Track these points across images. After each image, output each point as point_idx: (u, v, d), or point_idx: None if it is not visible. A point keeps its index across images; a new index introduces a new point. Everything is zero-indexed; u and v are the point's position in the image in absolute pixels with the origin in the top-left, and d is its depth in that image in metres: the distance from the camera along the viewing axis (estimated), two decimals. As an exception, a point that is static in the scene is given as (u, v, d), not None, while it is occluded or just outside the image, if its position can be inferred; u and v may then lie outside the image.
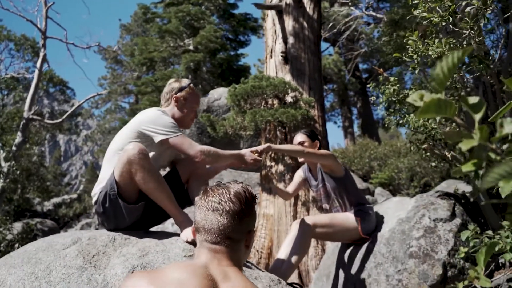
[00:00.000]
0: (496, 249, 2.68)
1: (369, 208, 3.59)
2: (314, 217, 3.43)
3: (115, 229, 2.77)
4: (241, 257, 1.54)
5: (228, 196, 1.48)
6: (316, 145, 3.72)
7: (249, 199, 1.53)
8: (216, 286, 1.34)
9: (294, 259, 3.29)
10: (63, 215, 12.65)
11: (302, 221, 3.39)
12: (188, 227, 2.65)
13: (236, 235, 1.48)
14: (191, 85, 3.04)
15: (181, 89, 2.97)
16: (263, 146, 3.06)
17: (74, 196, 14.66)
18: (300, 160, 3.75)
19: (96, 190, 2.81)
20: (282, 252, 3.36)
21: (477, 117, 0.75)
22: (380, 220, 3.65)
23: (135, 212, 2.65)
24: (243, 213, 1.49)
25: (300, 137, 3.73)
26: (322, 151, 3.46)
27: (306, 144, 3.65)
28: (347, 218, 3.48)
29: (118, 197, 2.55)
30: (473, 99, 0.76)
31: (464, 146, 0.71)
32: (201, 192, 1.55)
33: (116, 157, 2.73)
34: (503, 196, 0.91)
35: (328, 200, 3.67)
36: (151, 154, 2.72)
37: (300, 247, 3.31)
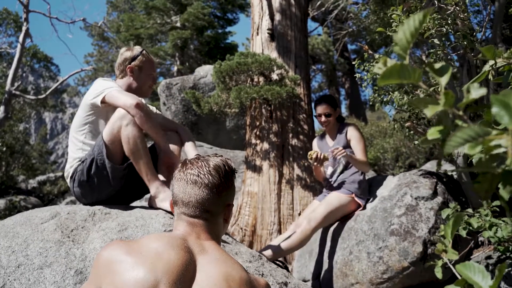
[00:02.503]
0: (475, 226, 2.71)
1: (363, 180, 3.72)
2: (315, 217, 3.50)
3: (95, 203, 2.76)
4: (220, 231, 1.53)
5: (207, 169, 1.45)
6: (338, 112, 3.92)
7: (228, 172, 1.51)
8: (193, 258, 1.33)
9: (284, 250, 3.38)
10: (48, 193, 12.55)
11: (303, 223, 3.47)
12: (164, 194, 2.65)
13: (214, 208, 1.46)
14: (144, 52, 2.99)
15: (134, 58, 2.93)
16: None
17: (60, 174, 14.53)
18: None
19: (72, 165, 2.79)
20: (274, 242, 3.48)
21: (443, 81, 0.71)
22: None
23: (120, 174, 2.67)
24: (222, 186, 1.47)
25: (325, 108, 3.85)
26: (366, 159, 3.70)
27: (332, 115, 3.83)
28: (340, 198, 3.55)
29: (107, 158, 2.57)
30: (439, 64, 0.73)
31: (429, 112, 0.68)
32: (180, 165, 1.52)
33: (74, 136, 2.78)
34: (475, 165, 0.89)
35: (334, 164, 3.85)
36: (106, 123, 2.76)
37: (295, 244, 3.41)
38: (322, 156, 3.49)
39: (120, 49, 3.15)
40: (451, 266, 1.61)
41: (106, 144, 2.59)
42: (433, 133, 0.70)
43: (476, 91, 0.70)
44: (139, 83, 2.94)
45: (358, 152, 3.67)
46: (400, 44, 0.71)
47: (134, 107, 2.58)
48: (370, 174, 8.08)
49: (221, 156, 1.57)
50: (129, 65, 2.92)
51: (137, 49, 3.00)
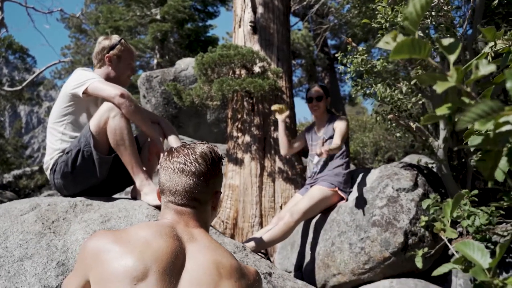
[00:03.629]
0: (455, 216, 2.76)
1: (347, 173, 3.74)
2: (297, 210, 3.50)
3: (76, 195, 2.72)
4: (208, 219, 1.51)
5: (193, 156, 1.43)
6: (328, 101, 4.01)
7: (215, 160, 1.49)
8: (182, 246, 1.31)
9: (266, 242, 3.40)
10: (24, 187, 12.27)
11: (286, 216, 3.47)
12: (148, 188, 2.63)
13: (202, 196, 1.44)
14: (123, 41, 2.94)
15: (112, 47, 2.89)
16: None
17: (36, 168, 14.21)
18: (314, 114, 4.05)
19: (52, 156, 2.74)
20: (257, 235, 3.50)
21: (452, 58, 0.71)
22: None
23: (107, 165, 2.65)
24: (209, 174, 1.45)
25: (318, 91, 3.95)
26: (342, 140, 3.68)
27: (323, 99, 3.91)
28: (323, 192, 3.57)
29: (94, 149, 2.54)
30: (448, 40, 0.73)
31: (439, 88, 0.68)
32: (166, 153, 1.49)
33: (53, 127, 2.75)
34: (471, 150, 0.90)
35: (318, 157, 3.88)
36: (86, 114, 2.79)
37: (278, 237, 3.43)
38: (280, 107, 3.54)
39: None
40: (449, 244, 1.64)
41: (94, 135, 2.56)
42: (442, 109, 0.70)
43: (484, 68, 0.70)
44: (117, 73, 2.89)
45: (336, 136, 3.68)
46: (410, 18, 0.70)
47: (119, 97, 2.55)
48: (351, 167, 8.18)
49: (207, 143, 1.55)
50: (107, 54, 2.88)
51: (116, 38, 2.95)
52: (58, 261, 2.11)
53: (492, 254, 0.90)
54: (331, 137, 3.76)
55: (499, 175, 0.83)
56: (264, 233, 3.43)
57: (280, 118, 3.98)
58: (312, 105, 3.91)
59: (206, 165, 1.44)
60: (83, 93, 2.65)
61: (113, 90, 2.57)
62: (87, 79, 2.66)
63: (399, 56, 0.70)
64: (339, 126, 3.73)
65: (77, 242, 2.23)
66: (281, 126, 4.03)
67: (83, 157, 2.59)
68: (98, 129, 2.56)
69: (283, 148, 4.06)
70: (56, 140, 2.77)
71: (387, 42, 0.72)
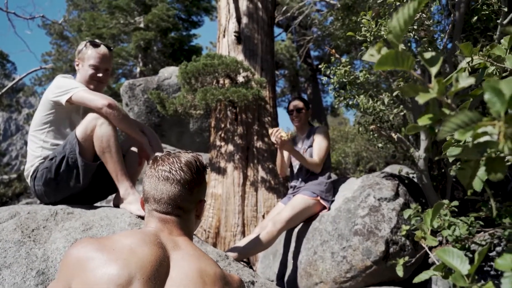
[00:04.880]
0: (436, 226, 2.81)
1: (329, 183, 3.76)
2: (280, 220, 3.51)
3: (57, 203, 2.69)
4: (192, 227, 1.51)
5: (178, 165, 1.44)
6: (309, 113, 4.03)
7: (200, 169, 1.50)
8: (167, 254, 1.31)
9: (248, 250, 3.41)
10: (2, 195, 12.02)
11: (269, 225, 3.48)
12: (133, 197, 2.61)
13: (186, 204, 1.45)
14: (88, 43, 2.93)
15: (79, 51, 2.90)
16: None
17: (14, 175, 13.93)
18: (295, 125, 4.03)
19: (33, 164, 2.72)
20: (239, 244, 3.50)
21: (434, 70, 0.74)
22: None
23: (91, 172, 2.64)
24: (194, 182, 1.45)
25: (298, 103, 3.95)
26: (317, 161, 3.70)
27: (303, 111, 3.93)
28: (305, 201, 3.60)
29: (79, 155, 2.53)
30: (429, 54, 0.76)
31: (421, 99, 0.71)
32: (150, 161, 1.50)
33: (34, 134, 2.77)
34: (450, 160, 0.93)
35: (300, 165, 3.88)
36: (68, 122, 2.78)
37: (260, 245, 3.43)
38: (280, 134, 3.45)
39: None
40: (429, 253, 1.67)
41: (79, 142, 2.55)
42: (424, 120, 0.73)
43: (464, 80, 0.73)
44: (83, 75, 2.87)
45: (315, 149, 3.72)
46: (394, 32, 0.73)
47: (107, 108, 2.55)
48: (333, 177, 8.24)
49: (192, 152, 1.56)
50: (77, 59, 2.91)
51: (83, 42, 2.95)
52: (38, 270, 2.07)
53: (471, 262, 0.93)
54: (311, 146, 3.81)
55: (477, 185, 0.86)
56: (246, 242, 3.44)
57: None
58: (292, 117, 3.95)
59: (191, 173, 1.45)
60: (67, 101, 2.64)
61: (100, 101, 2.56)
62: (71, 87, 2.65)
63: (383, 68, 0.72)
64: (318, 140, 3.77)
65: (57, 250, 2.20)
66: (285, 153, 4.01)
67: (67, 164, 2.57)
68: (84, 136, 2.55)
69: (283, 172, 4.06)
70: (37, 148, 2.74)
71: (371, 55, 0.75)
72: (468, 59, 1.02)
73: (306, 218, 3.68)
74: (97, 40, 3.00)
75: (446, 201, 2.83)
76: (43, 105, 2.77)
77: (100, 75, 2.87)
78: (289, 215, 3.51)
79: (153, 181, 1.43)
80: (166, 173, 1.42)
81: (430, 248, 3.09)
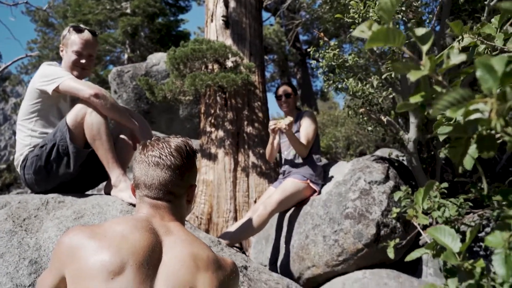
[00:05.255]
0: (426, 207, 2.83)
1: (318, 166, 3.77)
2: (270, 203, 3.54)
3: (48, 191, 2.66)
4: (183, 212, 1.51)
5: (169, 150, 1.42)
6: (297, 98, 4.02)
7: (190, 153, 1.48)
8: (159, 240, 1.30)
9: (241, 234, 3.44)
10: (-9, 186, 11.92)
11: (260, 208, 3.50)
12: (124, 184, 2.60)
13: (177, 189, 1.44)
14: (71, 28, 2.88)
15: (64, 37, 2.86)
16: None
17: (3, 166, 13.77)
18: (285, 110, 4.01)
19: (22, 152, 2.69)
20: (231, 228, 3.50)
21: (425, 48, 0.73)
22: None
23: (82, 159, 2.61)
24: (184, 167, 1.44)
25: (286, 88, 3.95)
26: (305, 143, 3.70)
27: (291, 96, 3.92)
28: (295, 184, 3.61)
29: (71, 142, 2.52)
30: (421, 30, 0.74)
31: (413, 76, 0.70)
32: (140, 147, 1.47)
33: (22, 124, 2.74)
34: (441, 139, 0.93)
35: (288, 149, 3.90)
36: (56, 110, 2.76)
37: (252, 228, 3.45)
38: (277, 127, 3.49)
39: None
40: (422, 232, 1.67)
41: (70, 130, 2.53)
42: (416, 97, 0.72)
43: (455, 57, 0.72)
44: (67, 61, 2.83)
45: (301, 135, 3.72)
46: (385, 8, 0.72)
47: (93, 97, 2.52)
48: (323, 161, 8.27)
49: (182, 137, 1.54)
50: (61, 44, 2.87)
51: (66, 28, 2.91)
52: (30, 259, 2.06)
53: (462, 240, 0.93)
54: (298, 131, 3.81)
55: (468, 163, 0.86)
56: (238, 227, 3.45)
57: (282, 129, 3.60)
58: (281, 102, 3.94)
59: (181, 158, 1.43)
60: (54, 90, 2.60)
61: (87, 90, 2.53)
62: (57, 76, 2.61)
63: (375, 44, 0.71)
64: (305, 124, 3.77)
65: (50, 239, 2.18)
66: (277, 138, 3.99)
67: (57, 151, 2.55)
68: (75, 124, 2.53)
69: (272, 157, 4.05)
70: (25, 136, 2.72)
71: (362, 31, 0.73)
72: (459, 37, 1.02)
73: (297, 202, 3.69)
74: (81, 25, 2.94)
75: (435, 183, 2.84)
76: (30, 94, 2.73)
77: (83, 61, 2.82)
78: (279, 197, 3.52)
79: (143, 166, 1.42)
80: (156, 158, 1.40)
81: (423, 229, 3.12)
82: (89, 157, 2.65)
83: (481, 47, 1.20)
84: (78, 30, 2.84)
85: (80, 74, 2.82)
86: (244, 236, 3.47)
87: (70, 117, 2.54)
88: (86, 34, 2.85)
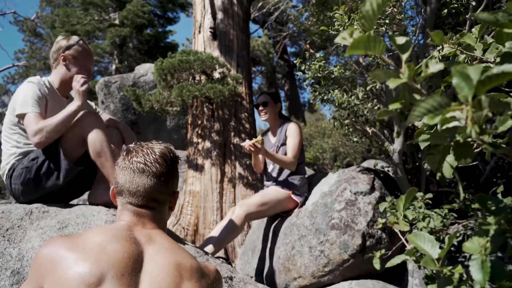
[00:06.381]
0: (411, 218, 2.85)
1: (302, 178, 3.75)
2: (247, 203, 3.51)
3: (32, 201, 2.64)
4: (165, 219, 1.50)
5: (153, 156, 1.41)
6: (278, 106, 3.93)
7: (173, 160, 1.48)
8: (140, 249, 1.28)
9: (222, 240, 3.37)
10: (-27, 197, 11.69)
11: (236, 208, 3.50)
12: None
13: (162, 196, 1.43)
14: (81, 41, 2.88)
15: (69, 47, 2.83)
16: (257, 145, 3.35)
17: (-14, 176, 13.50)
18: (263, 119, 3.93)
19: (8, 161, 2.68)
20: (213, 234, 3.44)
21: (404, 56, 0.75)
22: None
23: (73, 174, 2.63)
24: (169, 174, 1.44)
25: (263, 97, 3.89)
26: (292, 159, 3.64)
27: (269, 104, 3.85)
28: (277, 192, 3.61)
29: (65, 158, 2.54)
30: (401, 39, 0.76)
31: (392, 83, 0.71)
32: (123, 153, 1.46)
33: (6, 135, 2.72)
34: (421, 146, 0.94)
35: (274, 164, 3.85)
36: None
37: (230, 232, 3.42)
38: (252, 144, 3.39)
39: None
40: (405, 242, 1.68)
41: (63, 145, 2.56)
42: (395, 104, 0.73)
43: (433, 66, 0.73)
44: (71, 74, 2.82)
45: (288, 148, 3.70)
46: (367, 16, 0.73)
47: (35, 143, 2.53)
48: (309, 172, 8.29)
49: (164, 143, 1.54)
50: (62, 54, 2.81)
51: (74, 38, 2.89)
52: (12, 270, 2.04)
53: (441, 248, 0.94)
54: (284, 144, 3.78)
55: (447, 171, 0.87)
56: (218, 233, 3.41)
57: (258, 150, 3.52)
58: (259, 111, 3.91)
59: (166, 165, 1.43)
60: (17, 115, 2.62)
61: (32, 138, 2.52)
62: (26, 106, 2.59)
63: (356, 52, 0.72)
64: (291, 134, 3.74)
65: (33, 249, 2.16)
66: (257, 159, 3.96)
67: (48, 166, 2.56)
68: (69, 140, 2.57)
69: (259, 168, 4.02)
70: (11, 147, 2.71)
71: (344, 38, 0.74)
72: (439, 47, 1.04)
73: (276, 212, 3.69)
74: (82, 39, 2.96)
75: (420, 194, 2.86)
76: (11, 107, 2.72)
77: (89, 75, 2.89)
78: (257, 200, 3.51)
79: (127, 173, 1.40)
80: (142, 165, 1.39)
81: (407, 240, 3.13)
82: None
83: (461, 57, 1.23)
84: (83, 45, 2.87)
85: None
86: (227, 241, 3.42)
87: (65, 133, 2.57)
88: (90, 49, 2.91)
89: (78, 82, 2.65)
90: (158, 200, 1.42)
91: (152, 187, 1.39)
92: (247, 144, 3.39)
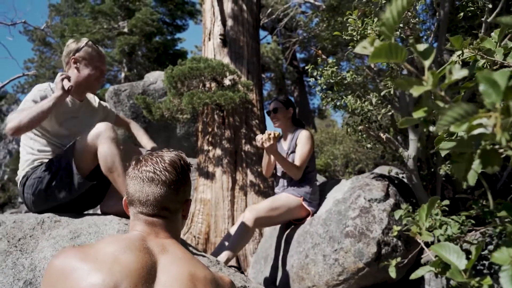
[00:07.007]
0: (428, 225, 2.79)
1: (313, 186, 3.68)
2: (257, 207, 3.45)
3: (44, 211, 2.64)
4: (179, 228, 1.48)
5: (163, 165, 1.39)
6: (290, 112, 3.86)
7: (184, 167, 1.46)
8: (154, 259, 1.26)
9: (233, 247, 3.31)
10: (-15, 205, 11.79)
11: (246, 213, 3.42)
12: None
13: (173, 205, 1.41)
14: (90, 42, 2.86)
15: (79, 49, 2.80)
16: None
17: (-2, 186, 13.64)
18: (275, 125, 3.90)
19: (24, 168, 2.68)
20: (224, 241, 3.39)
21: (427, 63, 0.72)
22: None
23: (85, 188, 2.60)
24: (179, 182, 1.41)
25: (274, 104, 3.83)
26: (298, 166, 3.56)
27: (280, 111, 3.79)
28: (288, 198, 3.56)
29: (78, 172, 2.51)
30: (422, 46, 0.73)
31: (415, 91, 0.68)
32: (133, 162, 1.44)
33: (24, 142, 2.70)
34: (442, 154, 0.91)
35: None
36: (56, 127, 2.71)
37: (240, 237, 3.35)
38: (267, 136, 3.36)
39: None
40: (426, 248, 1.63)
41: (76, 158, 2.52)
42: (419, 112, 0.70)
43: (458, 72, 0.70)
44: (84, 75, 2.81)
45: (296, 156, 3.63)
46: (387, 24, 0.71)
47: (11, 133, 2.41)
48: (321, 179, 8.23)
49: (175, 150, 1.52)
50: (73, 56, 2.79)
51: (84, 40, 2.88)
52: (25, 280, 2.03)
53: (466, 258, 0.91)
54: (294, 152, 3.73)
55: (471, 178, 0.84)
56: (229, 241, 3.36)
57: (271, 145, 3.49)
58: (271, 118, 3.86)
59: (176, 173, 1.40)
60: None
61: (8, 125, 2.43)
62: (24, 103, 2.60)
63: (377, 60, 0.70)
64: (300, 141, 3.67)
65: (45, 259, 2.15)
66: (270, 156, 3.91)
67: (60, 178, 2.53)
68: (82, 152, 2.52)
69: (269, 172, 3.97)
70: (26, 153, 2.71)
71: (364, 47, 0.72)
72: (459, 52, 1.01)
73: (287, 219, 3.63)
74: (91, 41, 2.94)
75: (438, 200, 2.81)
76: None
77: (102, 77, 2.88)
78: (267, 205, 3.45)
79: (137, 182, 1.39)
80: (151, 173, 1.37)
81: (423, 249, 3.08)
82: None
83: (481, 62, 1.19)
84: (95, 47, 2.85)
85: (94, 90, 2.87)
86: (237, 248, 3.37)
87: (79, 145, 2.53)
88: (102, 51, 2.88)
89: (59, 75, 2.56)
90: (169, 208, 1.40)
91: (162, 195, 1.37)
92: (263, 137, 3.35)
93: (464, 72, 0.72)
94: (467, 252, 2.78)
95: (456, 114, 0.64)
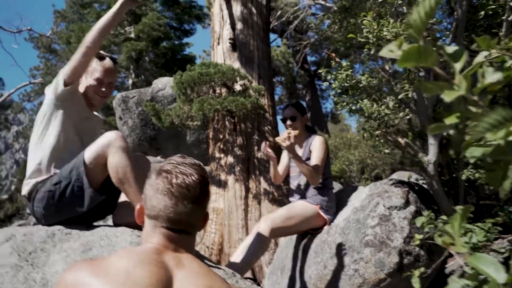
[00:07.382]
0: (459, 235, 2.65)
1: (330, 193, 3.57)
2: (272, 217, 3.34)
3: (54, 224, 2.57)
4: (194, 242, 1.43)
5: (190, 179, 1.32)
6: (306, 119, 3.75)
7: (206, 180, 1.39)
8: (169, 274, 1.21)
9: (249, 259, 3.20)
10: (-7, 217, 11.82)
11: (261, 223, 3.32)
12: None
13: (194, 219, 1.36)
14: (100, 54, 2.81)
15: None
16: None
17: (5, 196, 13.69)
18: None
19: (30, 182, 2.60)
20: (239, 252, 3.27)
21: (458, 66, 0.65)
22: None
23: (97, 202, 2.51)
24: (202, 196, 1.36)
25: (291, 111, 3.70)
26: (319, 168, 3.45)
27: (298, 119, 3.66)
28: (305, 206, 3.45)
29: (89, 185, 2.43)
30: (452, 48, 0.65)
31: (447, 96, 0.63)
32: (155, 174, 1.37)
33: (31, 150, 2.64)
34: (471, 161, 0.82)
35: (298, 177, 3.66)
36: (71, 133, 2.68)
37: (256, 248, 3.24)
38: (287, 135, 3.30)
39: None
40: (459, 260, 1.52)
41: (87, 171, 2.43)
42: (451, 119, 0.68)
43: (491, 76, 0.64)
44: (84, 86, 2.76)
45: (312, 161, 3.50)
46: (415, 26, 0.66)
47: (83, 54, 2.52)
48: (337, 186, 8.10)
49: (192, 159, 1.44)
50: None
51: (100, 52, 2.82)
52: (37, 295, 1.97)
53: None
54: (308, 159, 3.60)
55: (507, 186, 0.77)
56: (244, 249, 3.24)
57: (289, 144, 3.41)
58: (286, 126, 3.72)
59: (200, 187, 1.34)
60: (65, 85, 2.56)
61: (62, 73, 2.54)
62: (58, 77, 2.59)
63: (406, 65, 0.66)
64: (315, 147, 3.55)
65: (57, 274, 2.10)
66: (283, 163, 3.85)
67: (72, 191, 2.46)
68: (93, 163, 2.44)
69: (278, 179, 3.86)
70: (34, 164, 2.63)
71: (391, 50, 0.67)
72: (484, 53, 0.91)
73: (304, 229, 3.52)
74: (102, 52, 2.86)
75: (459, 207, 2.67)
76: (38, 122, 2.67)
77: (104, 89, 2.77)
78: (283, 213, 3.35)
79: (167, 198, 1.31)
80: (184, 190, 1.31)
81: (446, 259, 2.93)
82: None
83: (509, 63, 1.10)
84: (100, 57, 2.78)
85: (99, 102, 2.79)
86: (253, 259, 3.25)
87: (89, 156, 2.44)
88: (108, 62, 2.79)
89: None
90: (191, 223, 1.35)
91: (190, 212, 1.32)
92: (281, 137, 3.27)
93: (498, 76, 0.69)
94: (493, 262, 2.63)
95: (493, 120, 0.62)
